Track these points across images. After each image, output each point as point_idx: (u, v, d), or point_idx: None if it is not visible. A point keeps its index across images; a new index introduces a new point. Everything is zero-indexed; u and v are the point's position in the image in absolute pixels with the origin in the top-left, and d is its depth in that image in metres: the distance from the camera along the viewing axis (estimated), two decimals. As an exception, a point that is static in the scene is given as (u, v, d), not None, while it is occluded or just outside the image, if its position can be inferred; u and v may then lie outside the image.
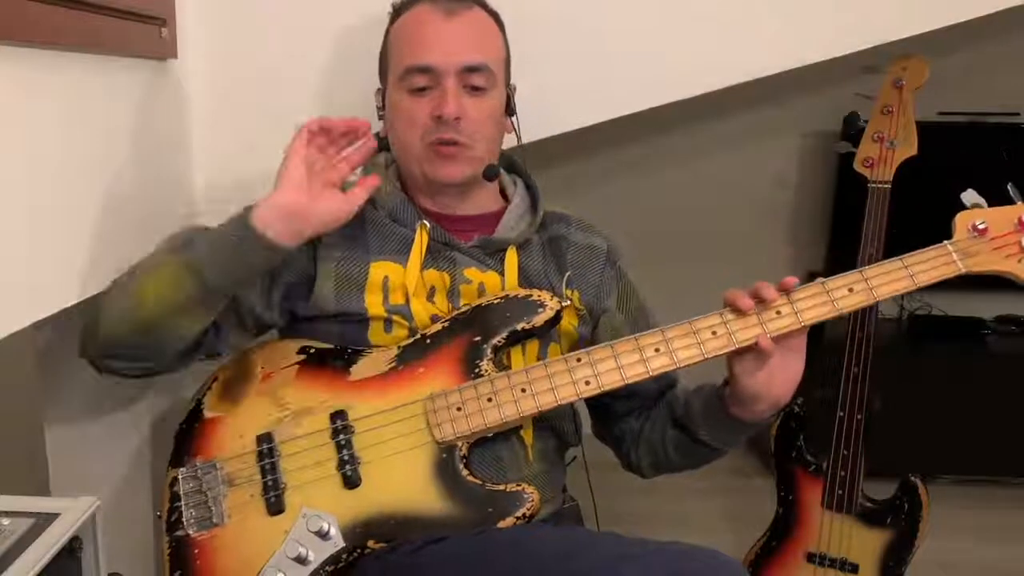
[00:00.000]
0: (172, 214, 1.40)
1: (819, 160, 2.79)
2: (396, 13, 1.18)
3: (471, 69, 1.11)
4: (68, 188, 1.09)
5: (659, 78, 1.42)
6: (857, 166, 1.62)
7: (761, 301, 1.03)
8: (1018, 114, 2.64)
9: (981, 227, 1.04)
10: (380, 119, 1.20)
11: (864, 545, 1.68)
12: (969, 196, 1.07)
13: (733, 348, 1.02)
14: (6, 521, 0.86)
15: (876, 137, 1.60)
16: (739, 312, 1.03)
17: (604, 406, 1.23)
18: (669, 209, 2.83)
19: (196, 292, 1.02)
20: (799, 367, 1.04)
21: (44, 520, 0.86)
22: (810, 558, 1.72)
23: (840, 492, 1.67)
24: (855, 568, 1.69)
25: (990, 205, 1.07)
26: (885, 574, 1.67)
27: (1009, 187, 1.06)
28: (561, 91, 1.22)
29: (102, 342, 1.08)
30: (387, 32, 1.19)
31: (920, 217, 2.44)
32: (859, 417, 1.65)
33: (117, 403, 1.36)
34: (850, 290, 1.03)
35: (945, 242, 1.05)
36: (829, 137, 2.68)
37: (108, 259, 1.21)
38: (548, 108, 1.24)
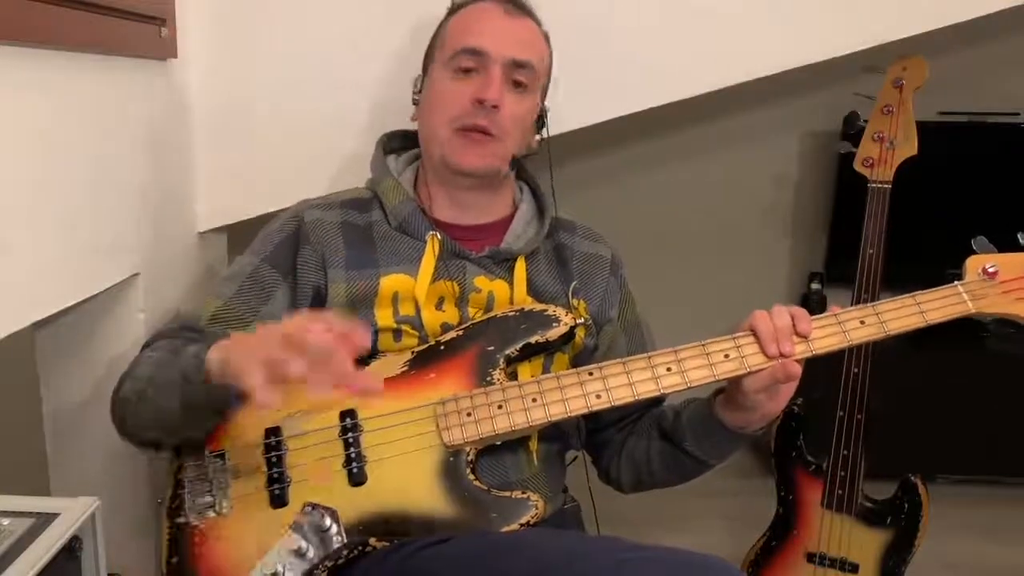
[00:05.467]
0: (172, 213, 1.41)
1: (819, 160, 2.79)
2: (453, 10, 1.21)
3: (519, 64, 1.14)
4: (68, 188, 1.09)
5: (659, 78, 1.42)
6: (857, 166, 1.62)
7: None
8: (1018, 114, 2.64)
9: (991, 271, 1.08)
10: (415, 104, 1.23)
11: (864, 545, 1.68)
12: (980, 243, 1.11)
13: (745, 372, 1.03)
14: (6, 521, 0.86)
15: (876, 137, 1.59)
16: (752, 337, 1.04)
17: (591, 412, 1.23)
18: (669, 209, 2.83)
19: (200, 433, 1.05)
20: (792, 392, 1.06)
21: (44, 520, 0.86)
22: (810, 558, 1.72)
23: (840, 492, 1.67)
24: (855, 568, 1.69)
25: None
26: (885, 574, 1.67)
27: (1020, 236, 1.11)
28: (561, 91, 1.22)
29: (136, 445, 1.11)
30: (441, 26, 1.21)
31: (920, 217, 2.46)
32: (859, 417, 1.65)
33: (117, 403, 1.36)
34: (862, 322, 1.06)
35: (956, 283, 1.08)
36: (829, 137, 2.68)
37: (108, 259, 1.22)
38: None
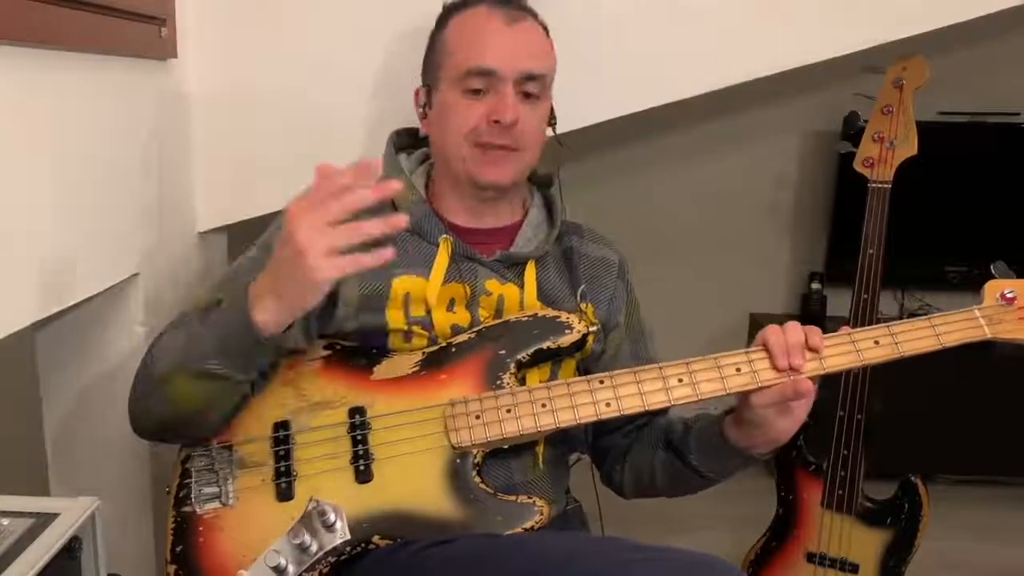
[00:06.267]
0: (172, 213, 1.41)
1: (819, 160, 2.79)
2: (448, 13, 1.18)
3: (529, 77, 1.12)
4: (68, 188, 1.09)
5: (659, 78, 1.42)
6: (857, 166, 1.62)
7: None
8: (1018, 114, 2.64)
9: (1009, 296, 1.07)
10: (423, 117, 1.20)
11: (864, 545, 1.68)
12: (1000, 268, 1.10)
13: (756, 386, 1.03)
14: (6, 521, 0.86)
15: (876, 137, 1.59)
16: (765, 352, 1.04)
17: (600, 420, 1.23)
18: (670, 209, 2.83)
19: (224, 390, 1.02)
20: (803, 414, 1.05)
21: (43, 520, 0.86)
22: (810, 558, 1.72)
23: (840, 492, 1.67)
24: (855, 568, 1.69)
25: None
26: (885, 574, 1.67)
27: None
28: (561, 92, 1.22)
29: (152, 436, 1.12)
30: (438, 31, 1.19)
31: (920, 217, 2.46)
32: (859, 417, 1.65)
33: (117, 403, 1.36)
34: (876, 343, 1.05)
35: (973, 307, 1.08)
36: (829, 137, 2.68)
37: (108, 259, 1.22)
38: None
